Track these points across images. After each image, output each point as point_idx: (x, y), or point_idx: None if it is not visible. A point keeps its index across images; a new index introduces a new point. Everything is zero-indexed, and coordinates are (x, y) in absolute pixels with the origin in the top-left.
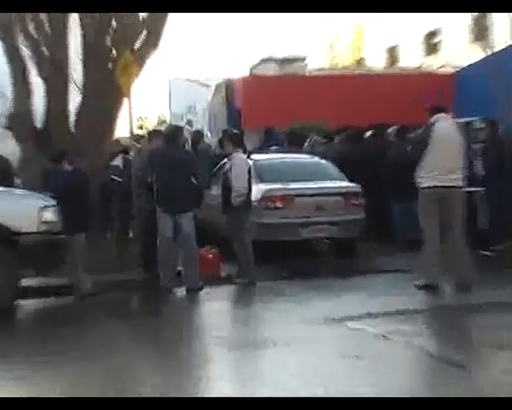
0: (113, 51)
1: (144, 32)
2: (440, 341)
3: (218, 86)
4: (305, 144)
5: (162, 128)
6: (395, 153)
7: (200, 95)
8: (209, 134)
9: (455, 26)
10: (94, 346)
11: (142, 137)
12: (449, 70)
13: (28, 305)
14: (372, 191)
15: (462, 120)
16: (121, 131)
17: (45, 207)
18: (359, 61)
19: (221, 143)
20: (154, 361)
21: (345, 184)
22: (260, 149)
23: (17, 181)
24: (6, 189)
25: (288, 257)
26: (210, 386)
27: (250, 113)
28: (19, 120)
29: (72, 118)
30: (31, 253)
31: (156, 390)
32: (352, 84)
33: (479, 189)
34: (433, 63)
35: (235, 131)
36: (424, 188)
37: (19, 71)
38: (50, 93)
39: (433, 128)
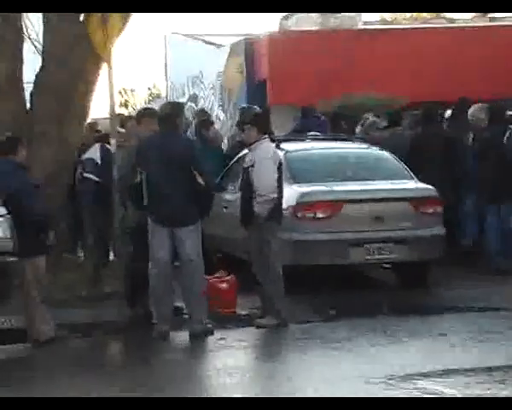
0: None
1: None
2: None
3: (234, 47)
4: (357, 129)
5: (155, 106)
6: (487, 140)
7: (208, 59)
8: (221, 114)
9: None
10: None
11: (128, 118)
12: None
13: None
14: (452, 195)
15: None
16: (98, 109)
17: None
18: None
19: (239, 126)
20: None
21: (414, 185)
22: (294, 136)
23: None
24: None
25: (333, 289)
26: None
27: (279, 84)
28: None
29: (27, 90)
30: None
31: None
32: (426, 43)
33: None
34: None
35: (257, 109)
36: None
37: None
38: None
39: None
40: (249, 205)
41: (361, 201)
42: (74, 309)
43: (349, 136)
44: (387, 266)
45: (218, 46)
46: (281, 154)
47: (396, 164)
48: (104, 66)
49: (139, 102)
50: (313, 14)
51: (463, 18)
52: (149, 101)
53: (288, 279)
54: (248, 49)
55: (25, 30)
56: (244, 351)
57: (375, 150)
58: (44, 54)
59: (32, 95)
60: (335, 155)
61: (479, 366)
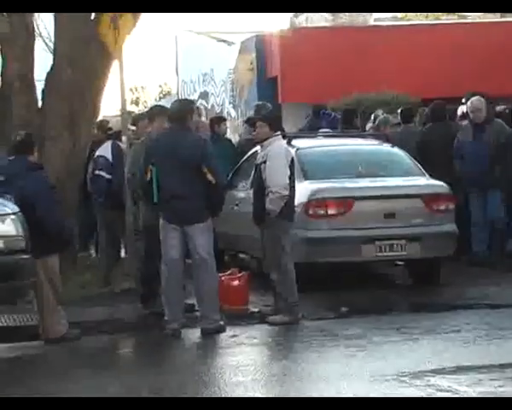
0: None
1: None
2: None
3: (244, 44)
4: (368, 126)
5: (166, 104)
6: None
7: (219, 56)
8: (232, 111)
9: None
10: None
11: (140, 116)
12: None
13: None
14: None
15: None
16: (109, 107)
17: None
18: None
19: (248, 123)
20: None
21: (426, 181)
22: (304, 133)
23: None
24: None
25: (345, 286)
26: None
27: (291, 81)
28: None
29: (39, 88)
30: None
31: None
32: (442, 39)
33: None
34: None
35: (269, 106)
36: None
37: None
38: (7, 52)
39: None
40: (261, 202)
41: (372, 197)
42: (87, 307)
43: (361, 132)
44: (400, 263)
45: (229, 43)
46: (292, 151)
47: (407, 160)
48: (115, 64)
49: (150, 99)
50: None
51: (475, 14)
52: (160, 98)
53: (300, 276)
54: (259, 46)
55: (36, 28)
56: (256, 348)
57: (386, 147)
58: (55, 52)
59: (43, 94)
60: (347, 151)
61: (491, 362)
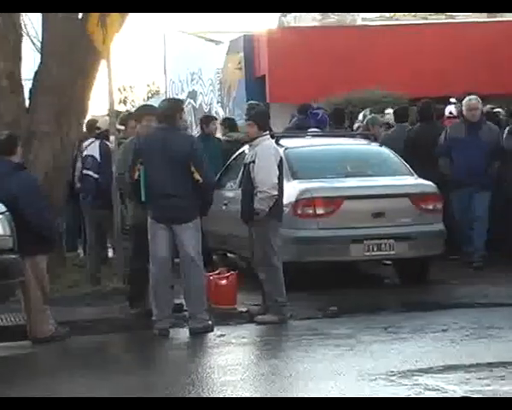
0: None
1: None
2: None
3: (232, 44)
4: (357, 125)
5: (155, 103)
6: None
7: (208, 56)
8: (220, 110)
9: None
10: None
11: (128, 116)
12: None
13: None
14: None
15: None
16: (97, 107)
17: None
18: None
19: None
20: None
21: (415, 181)
22: (293, 132)
23: None
24: None
25: (334, 285)
26: None
27: (278, 81)
28: None
29: (26, 88)
30: None
31: None
32: (430, 38)
33: None
34: None
35: (257, 105)
36: None
37: None
38: None
39: None
40: (250, 202)
41: (361, 197)
42: (76, 307)
43: (349, 132)
44: (388, 262)
45: (217, 43)
46: (281, 150)
47: (396, 160)
48: (103, 63)
49: (138, 98)
50: None
51: (463, 13)
52: (148, 98)
53: (289, 276)
54: (247, 45)
55: (23, 27)
56: (245, 348)
57: (374, 146)
58: (43, 51)
59: (31, 93)
60: (335, 151)
61: (479, 361)
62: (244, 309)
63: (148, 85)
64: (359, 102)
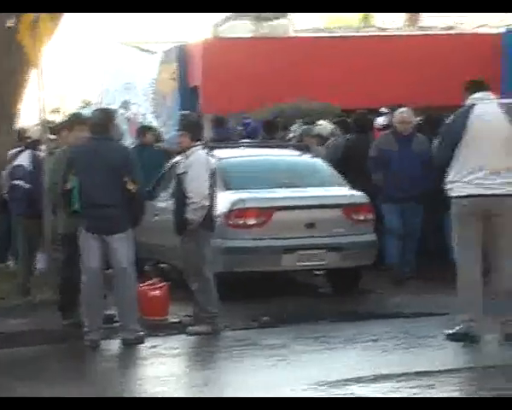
0: None
1: None
2: None
3: (166, 54)
4: (290, 136)
5: (87, 113)
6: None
7: (142, 66)
8: (154, 121)
9: None
10: None
11: (61, 126)
12: (491, 31)
13: None
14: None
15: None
16: (28, 116)
17: None
18: (366, 18)
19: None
20: None
21: (347, 192)
22: (227, 143)
23: None
24: None
25: (267, 295)
26: None
27: (212, 91)
28: None
29: None
30: None
31: None
32: (359, 50)
33: None
34: (469, 21)
35: (192, 115)
36: (457, 198)
37: None
38: None
39: (469, 114)
40: (182, 212)
41: (293, 207)
42: (5, 318)
43: (283, 142)
44: (320, 272)
45: (152, 53)
46: (214, 161)
47: (328, 171)
48: (34, 72)
49: (71, 108)
50: (246, 21)
51: (394, 27)
52: (82, 107)
53: (221, 286)
54: (181, 55)
55: None
56: (176, 359)
57: (307, 157)
58: None
59: None
60: (268, 162)
61: (409, 370)
62: (176, 320)
63: (81, 95)
64: (292, 113)
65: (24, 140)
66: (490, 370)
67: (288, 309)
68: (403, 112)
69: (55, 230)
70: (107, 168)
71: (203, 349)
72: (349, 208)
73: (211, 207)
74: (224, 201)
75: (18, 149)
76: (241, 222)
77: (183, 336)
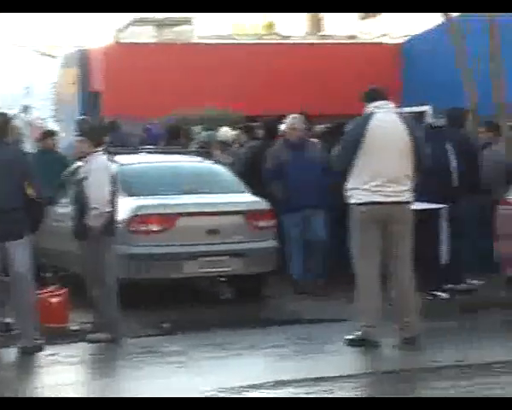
0: None
1: None
2: None
3: (67, 58)
4: (195, 142)
5: None
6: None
7: (42, 70)
8: (55, 125)
9: None
10: None
11: None
12: (391, 41)
13: None
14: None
15: (410, 109)
16: None
17: None
18: (269, 26)
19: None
20: None
21: (248, 198)
22: (128, 149)
23: None
24: None
25: (169, 303)
26: None
27: (114, 96)
28: None
29: None
30: None
31: None
32: (261, 58)
33: (441, 206)
34: (371, 31)
35: (91, 120)
36: (356, 205)
37: None
38: None
39: (368, 121)
40: (82, 218)
41: (195, 214)
42: None
43: (185, 149)
44: (223, 279)
45: (52, 57)
46: (115, 166)
47: (230, 177)
48: None
49: None
50: (149, 27)
51: (297, 35)
52: None
53: (123, 293)
54: (83, 60)
55: None
56: (76, 367)
57: (209, 164)
58: None
59: None
60: (170, 168)
61: (308, 376)
62: (76, 327)
63: None
64: (195, 119)
65: None
66: (389, 375)
67: (189, 316)
68: (293, 118)
69: None
70: (4, 173)
71: (103, 357)
72: (251, 215)
73: (112, 213)
74: (126, 207)
75: None
76: (143, 228)
77: (84, 344)
